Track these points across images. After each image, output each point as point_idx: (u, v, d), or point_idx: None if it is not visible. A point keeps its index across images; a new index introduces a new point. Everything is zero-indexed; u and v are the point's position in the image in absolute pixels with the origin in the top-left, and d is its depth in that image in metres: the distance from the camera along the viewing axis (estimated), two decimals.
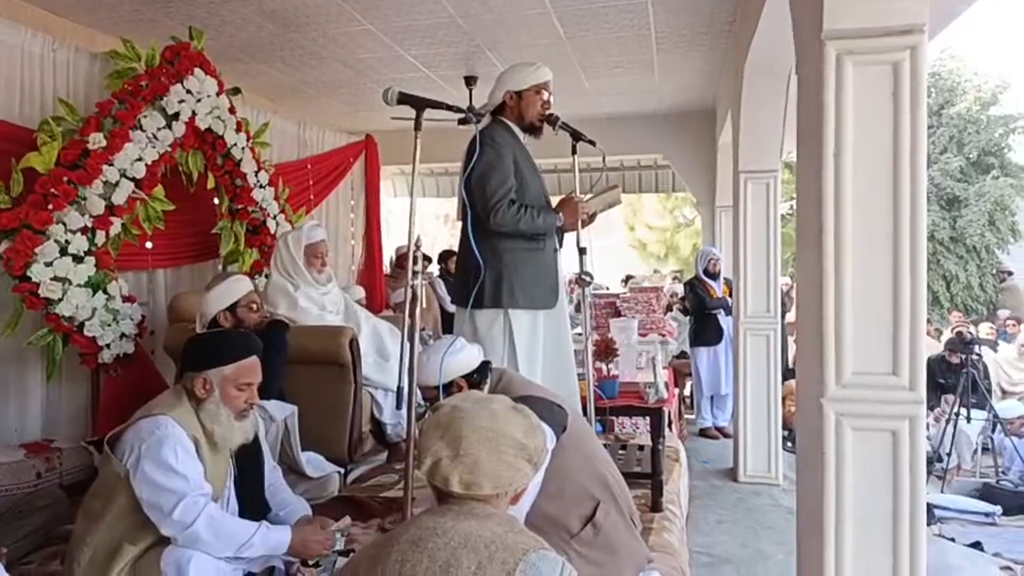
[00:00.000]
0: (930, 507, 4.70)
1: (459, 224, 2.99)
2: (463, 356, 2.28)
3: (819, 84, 2.05)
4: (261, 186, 4.60)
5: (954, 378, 6.13)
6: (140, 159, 3.68)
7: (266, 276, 3.96)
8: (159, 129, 3.78)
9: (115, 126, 3.61)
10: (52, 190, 3.36)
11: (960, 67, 14.29)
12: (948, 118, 13.68)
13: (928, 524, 2.12)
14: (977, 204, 13.37)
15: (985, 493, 5.53)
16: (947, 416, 5.97)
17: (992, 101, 13.91)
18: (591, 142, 3.06)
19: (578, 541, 2.02)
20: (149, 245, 4.15)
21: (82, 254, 3.48)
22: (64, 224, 3.39)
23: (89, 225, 3.50)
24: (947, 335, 7.34)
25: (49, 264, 3.34)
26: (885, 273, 2.02)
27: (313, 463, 3.19)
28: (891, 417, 2.02)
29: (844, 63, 2.02)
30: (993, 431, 6.30)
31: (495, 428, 1.31)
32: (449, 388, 2.25)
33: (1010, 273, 11.24)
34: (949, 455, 5.92)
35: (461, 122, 5.17)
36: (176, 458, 2.01)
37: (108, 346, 3.60)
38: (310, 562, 2.29)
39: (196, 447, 2.10)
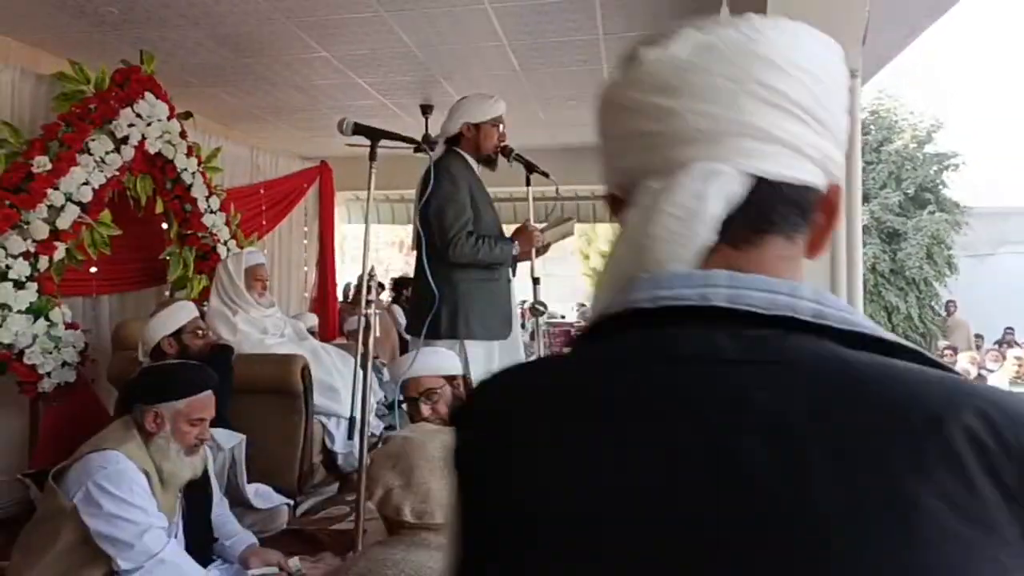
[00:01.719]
0: None
1: (413, 251, 3.00)
2: (457, 359, 2.42)
3: None
4: (212, 211, 4.54)
5: None
6: (87, 183, 3.60)
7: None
8: (107, 153, 3.71)
9: (62, 149, 3.53)
10: None
11: (897, 106, 14.94)
12: (887, 154, 14.24)
13: None
14: (915, 238, 13.90)
15: None
16: None
17: (927, 139, 14.56)
18: (544, 174, 3.12)
19: None
20: (94, 270, 4.05)
21: (23, 280, 3.37)
22: (4, 249, 3.29)
23: (32, 250, 3.40)
24: None
25: None
26: None
27: (262, 495, 3.12)
28: None
29: None
30: None
31: (444, 459, 1.31)
32: (453, 380, 2.32)
33: (955, 308, 11.63)
34: None
35: (416, 150, 5.20)
36: (131, 492, 1.98)
37: (49, 375, 3.48)
38: None
39: (148, 482, 2.05)
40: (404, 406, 2.35)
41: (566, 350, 0.61)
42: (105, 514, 1.96)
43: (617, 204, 0.65)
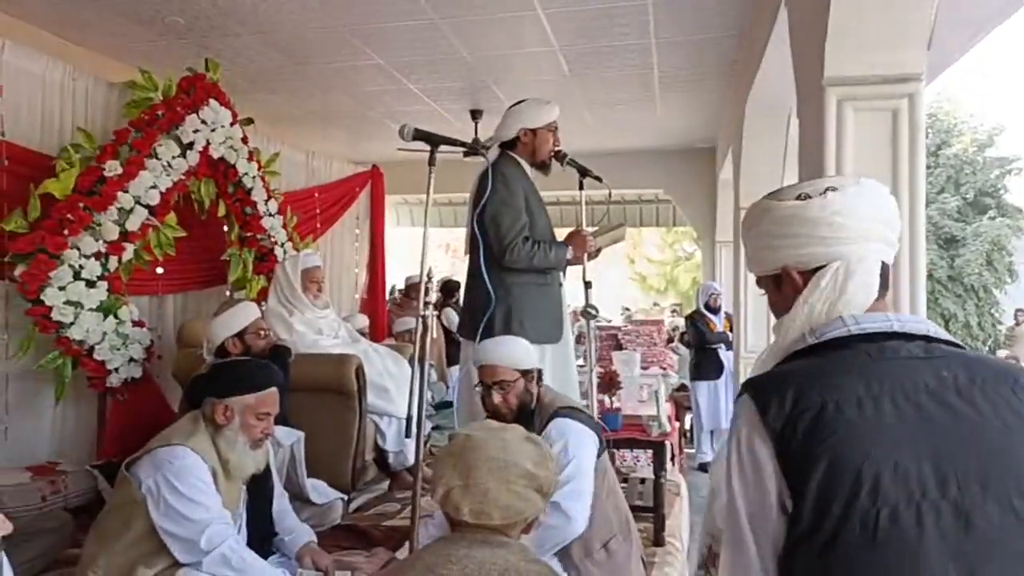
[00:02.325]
0: None
1: (459, 254, 3.04)
2: (535, 353, 2.43)
3: (819, 127, 2.13)
4: (270, 214, 4.67)
5: None
6: (154, 187, 3.75)
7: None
8: (174, 158, 3.86)
9: (131, 154, 3.68)
10: (68, 215, 3.42)
11: (956, 109, 14.52)
12: (945, 159, 13.86)
13: None
14: (974, 244, 13.49)
15: None
16: None
17: (988, 143, 14.12)
18: (598, 178, 3.14)
19: (592, 561, 2.17)
20: (160, 271, 4.21)
21: (95, 279, 3.53)
22: (78, 249, 3.45)
23: (103, 250, 3.55)
24: None
25: (62, 288, 3.39)
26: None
27: (318, 490, 3.20)
28: None
29: (844, 109, 2.10)
30: None
31: (505, 459, 1.33)
32: (528, 374, 2.34)
33: None
34: None
35: (466, 154, 5.28)
36: (196, 489, 2.06)
37: (116, 370, 3.64)
38: None
39: (213, 477, 2.13)
40: (477, 389, 2.38)
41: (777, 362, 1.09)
42: (169, 509, 2.05)
43: (786, 275, 1.10)
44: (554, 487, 1.39)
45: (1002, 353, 11.17)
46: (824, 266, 1.05)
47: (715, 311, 6.18)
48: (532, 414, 2.34)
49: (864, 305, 1.03)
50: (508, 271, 2.86)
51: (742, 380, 1.22)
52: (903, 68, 2.03)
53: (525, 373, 2.35)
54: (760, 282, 1.19)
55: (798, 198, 1.08)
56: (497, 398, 2.29)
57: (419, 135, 2.43)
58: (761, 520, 0.95)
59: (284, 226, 4.85)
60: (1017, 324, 11.10)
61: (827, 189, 1.07)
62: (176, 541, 2.06)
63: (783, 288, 1.11)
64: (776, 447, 0.94)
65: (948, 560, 0.86)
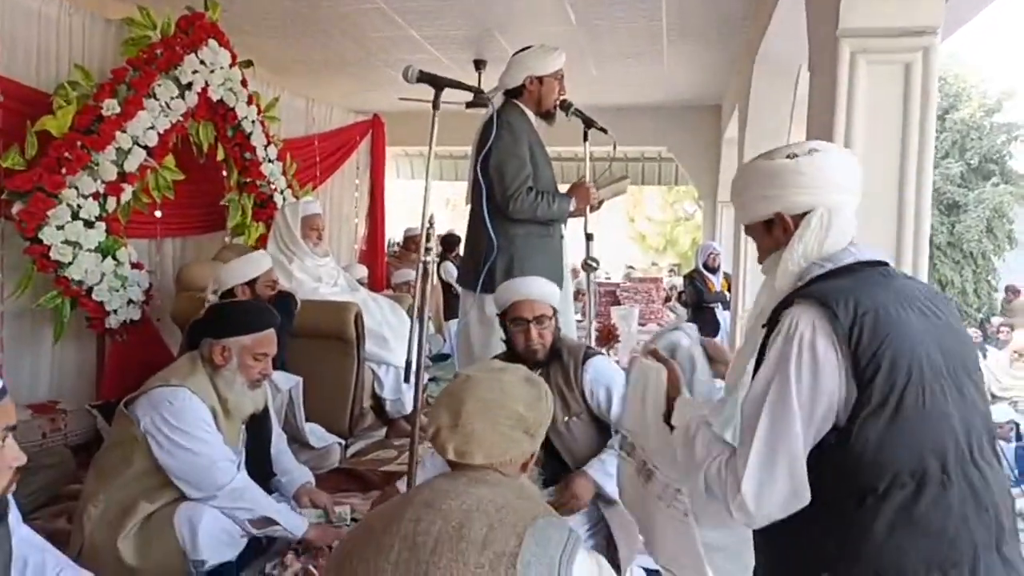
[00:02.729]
0: None
1: (459, 208, 3.02)
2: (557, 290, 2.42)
3: (832, 81, 2.10)
4: (270, 160, 4.62)
5: None
6: (152, 127, 3.70)
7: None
8: (172, 98, 3.80)
9: (129, 93, 3.62)
10: (66, 154, 3.38)
11: (965, 73, 14.31)
12: (951, 123, 13.71)
13: None
14: (976, 210, 13.44)
15: None
16: None
17: (996, 108, 13.96)
18: (603, 129, 3.09)
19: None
20: (158, 214, 4.18)
21: (93, 219, 3.50)
22: (77, 188, 3.41)
23: (101, 191, 3.52)
24: None
25: (61, 228, 3.37)
26: None
27: (316, 433, 3.24)
28: None
29: (857, 61, 2.06)
30: None
31: (496, 399, 1.33)
32: (555, 312, 2.33)
33: (1017, 292, 11.12)
34: None
35: (469, 105, 5.20)
36: (198, 427, 2.08)
37: (115, 311, 3.64)
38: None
39: (213, 416, 2.15)
40: (502, 326, 2.36)
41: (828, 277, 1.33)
42: (173, 447, 2.08)
43: (779, 219, 1.36)
44: (541, 430, 1.38)
45: (996, 320, 11.22)
46: (811, 211, 1.33)
47: (714, 271, 6.19)
48: (558, 351, 2.33)
49: (844, 243, 1.33)
50: (511, 221, 2.84)
51: (739, 341, 1.35)
52: (920, 20, 1.99)
53: (555, 311, 2.35)
54: (749, 229, 1.44)
55: (788, 156, 1.34)
56: (535, 333, 2.26)
57: (424, 77, 2.39)
58: (811, 406, 1.21)
59: (284, 173, 4.81)
60: (1009, 301, 11.04)
61: (811, 150, 1.34)
62: (183, 479, 2.10)
63: (774, 231, 1.37)
64: (843, 346, 1.20)
65: (957, 419, 1.21)
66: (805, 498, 1.22)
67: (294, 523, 2.25)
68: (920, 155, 2.05)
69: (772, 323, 1.29)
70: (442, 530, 1.17)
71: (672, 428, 1.46)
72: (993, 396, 7.37)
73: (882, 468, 1.19)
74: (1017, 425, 6.28)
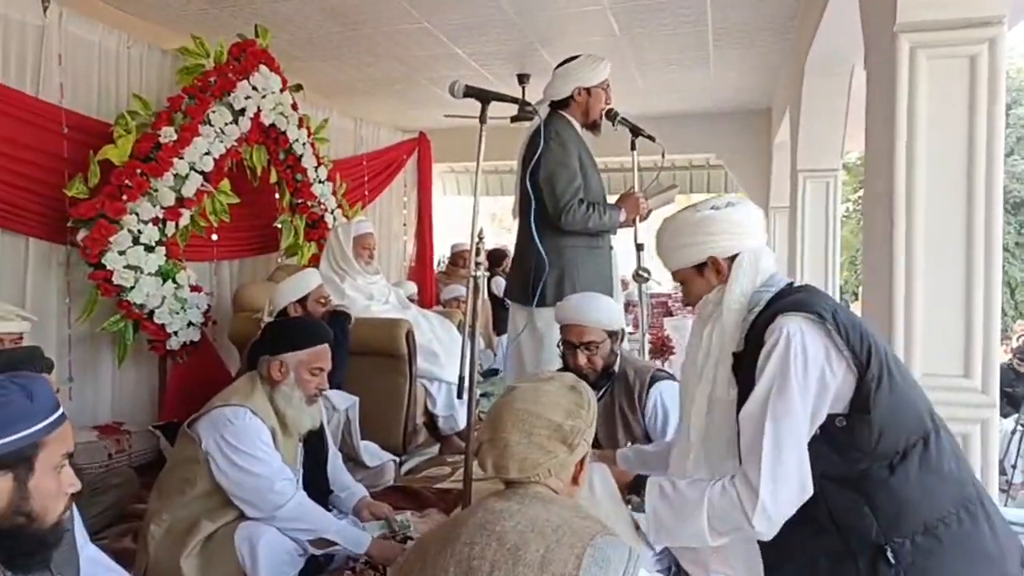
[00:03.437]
0: None
1: (505, 222, 3.01)
2: (622, 309, 2.45)
3: (890, 79, 2.02)
4: (320, 181, 4.70)
5: (1022, 388, 5.91)
6: (208, 153, 3.80)
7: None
8: (226, 124, 3.90)
9: (185, 121, 3.73)
10: (126, 181, 3.49)
11: None
12: (1015, 119, 13.18)
13: None
14: None
15: None
16: (1013, 427, 5.76)
17: None
18: (651, 137, 3.05)
19: None
20: (215, 237, 4.29)
21: (153, 244, 3.61)
22: (137, 214, 3.52)
23: (160, 216, 3.63)
24: (1013, 344, 7.07)
25: (122, 253, 3.48)
26: (957, 273, 1.97)
27: (370, 451, 3.26)
28: (962, 420, 1.97)
29: (918, 57, 1.98)
30: None
31: (532, 409, 1.29)
32: (614, 334, 2.31)
33: None
34: (1014, 467, 5.71)
35: (514, 119, 5.21)
36: (257, 447, 2.11)
37: (176, 333, 3.73)
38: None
39: (272, 436, 2.18)
40: (558, 348, 2.35)
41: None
42: (231, 468, 2.11)
43: (712, 263, 1.57)
44: (579, 438, 1.32)
45: None
46: (739, 254, 1.55)
47: None
48: (613, 375, 2.30)
49: (771, 273, 1.56)
50: (561, 233, 2.82)
51: None
52: (983, 9, 1.90)
53: (612, 334, 2.31)
54: (678, 275, 1.64)
55: (712, 208, 1.58)
56: (582, 359, 2.25)
57: (470, 92, 2.40)
58: (815, 402, 1.40)
59: (334, 193, 4.88)
60: None
61: (728, 203, 1.59)
62: (243, 499, 2.12)
63: (706, 274, 1.59)
64: (837, 341, 1.40)
65: (916, 384, 1.50)
66: (810, 490, 1.39)
67: (355, 540, 2.24)
68: (989, 153, 1.95)
69: (753, 344, 1.47)
70: (497, 553, 1.14)
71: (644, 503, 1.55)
72: None
73: (898, 432, 1.39)
74: None
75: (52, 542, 1.27)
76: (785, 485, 1.37)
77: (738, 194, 11.74)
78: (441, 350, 3.99)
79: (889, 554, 1.35)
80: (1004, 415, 6.20)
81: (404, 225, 7.10)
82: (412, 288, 5.74)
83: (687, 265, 1.60)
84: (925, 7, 1.95)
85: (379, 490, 3.17)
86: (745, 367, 1.48)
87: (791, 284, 1.56)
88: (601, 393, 2.32)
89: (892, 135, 2.00)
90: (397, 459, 3.46)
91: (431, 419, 3.99)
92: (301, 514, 2.15)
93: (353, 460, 3.17)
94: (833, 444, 1.40)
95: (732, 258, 1.55)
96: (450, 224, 9.81)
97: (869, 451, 1.38)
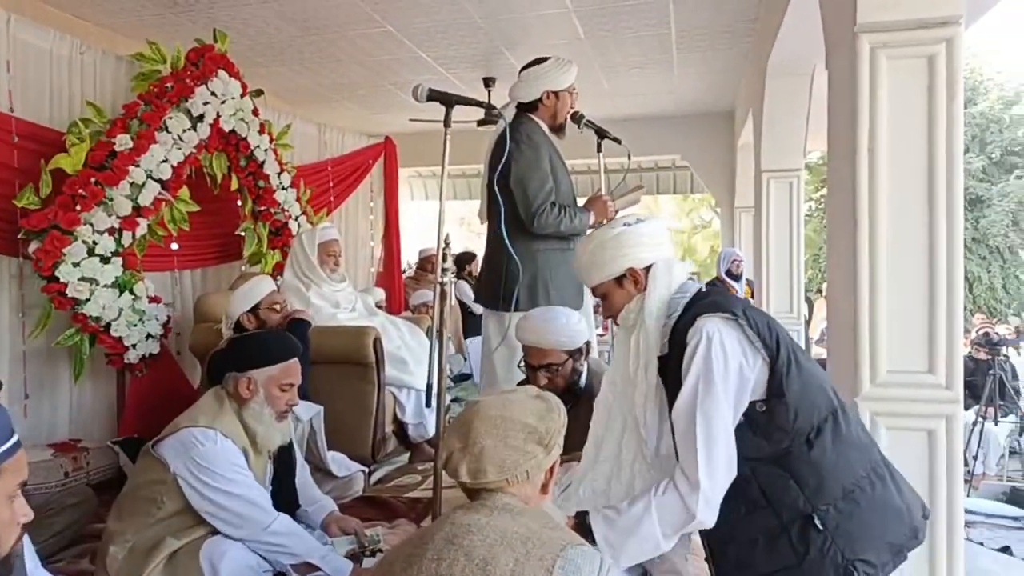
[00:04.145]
0: None
1: (473, 226, 2.97)
2: (584, 325, 2.35)
3: (852, 79, 2.03)
4: (283, 188, 4.62)
5: (981, 378, 6.04)
6: (166, 160, 3.70)
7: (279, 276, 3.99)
8: (184, 131, 3.81)
9: (141, 128, 3.63)
10: (80, 191, 3.39)
11: (982, 65, 14.12)
12: (970, 117, 13.51)
13: None
14: (1000, 204, 13.20)
15: (1013, 497, 5.43)
16: (975, 418, 5.88)
17: (1015, 100, 13.75)
18: (616, 139, 3.05)
19: None
20: (175, 246, 4.18)
21: (109, 255, 3.50)
22: (91, 225, 3.42)
23: (116, 226, 3.52)
24: (972, 336, 7.23)
25: (77, 264, 3.37)
26: (920, 269, 1.99)
27: (338, 462, 3.19)
28: (927, 416, 1.99)
29: (878, 57, 1.99)
30: (1021, 435, 6.20)
31: (504, 415, 1.29)
32: (577, 353, 2.28)
33: None
34: (976, 458, 5.83)
35: (480, 123, 5.18)
36: (231, 470, 2.05)
37: (134, 346, 3.63)
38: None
39: (245, 457, 2.12)
40: (521, 366, 2.32)
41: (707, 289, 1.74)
42: (207, 491, 2.05)
43: (631, 274, 1.70)
44: (556, 439, 1.33)
45: None
46: (653, 264, 1.69)
47: (737, 278, 6.09)
48: (579, 392, 2.26)
49: (683, 281, 1.70)
50: (532, 237, 2.79)
51: None
52: (941, 10, 1.92)
53: (573, 353, 2.27)
54: (599, 289, 1.75)
55: (625, 225, 1.72)
56: (543, 380, 2.22)
57: (434, 96, 2.36)
58: (736, 393, 1.54)
59: (298, 199, 4.80)
60: None
61: (637, 220, 1.74)
62: (227, 522, 2.07)
63: (625, 285, 1.71)
64: (751, 335, 1.54)
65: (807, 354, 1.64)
66: (735, 470, 1.53)
67: (337, 567, 2.19)
68: (949, 151, 1.97)
69: (676, 347, 1.60)
70: (466, 568, 1.11)
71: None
72: None
73: (811, 409, 1.54)
74: None
75: (2, 574, 1.20)
76: (719, 472, 1.50)
77: (705, 195, 11.81)
78: (410, 357, 3.93)
79: (817, 521, 1.50)
80: (966, 407, 6.33)
81: (371, 231, 7.02)
82: (380, 294, 5.67)
83: (607, 279, 1.72)
84: (884, 8, 1.97)
85: (348, 501, 3.11)
86: (671, 368, 1.60)
87: (702, 289, 1.70)
88: (569, 408, 2.28)
89: (854, 134, 2.01)
90: (366, 469, 3.40)
91: (401, 427, 3.93)
92: (286, 538, 2.09)
93: (321, 470, 3.10)
94: (757, 428, 1.55)
95: (647, 269, 1.69)
96: (419, 229, 9.75)
97: (789, 430, 1.53)
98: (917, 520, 1.58)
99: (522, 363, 2.33)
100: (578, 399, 2.25)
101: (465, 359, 6.12)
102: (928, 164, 1.98)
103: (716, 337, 1.53)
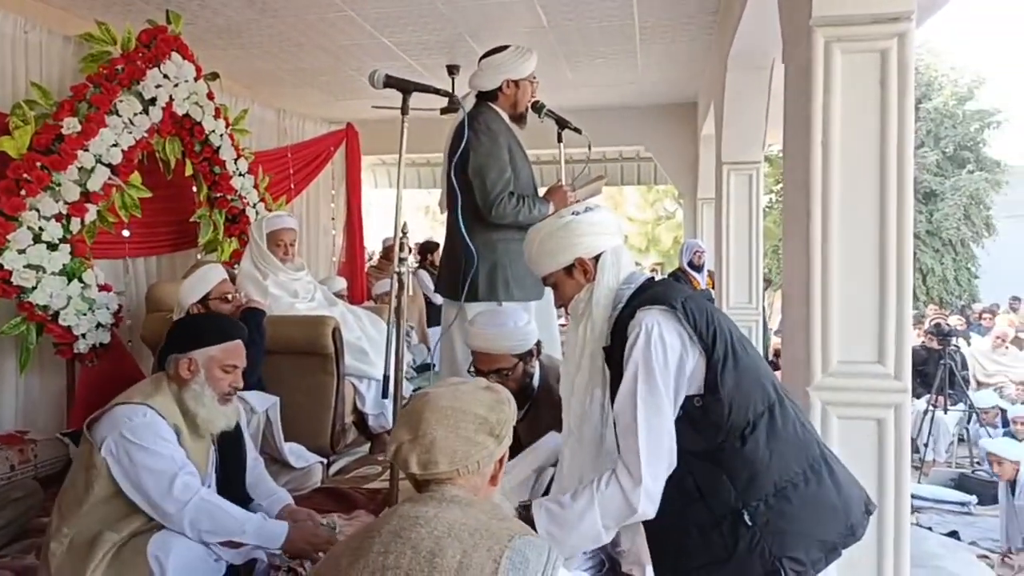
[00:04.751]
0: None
1: (439, 215, 2.94)
2: (533, 325, 2.31)
3: (807, 71, 2.04)
4: (240, 174, 4.53)
5: (933, 367, 6.21)
6: (116, 145, 3.60)
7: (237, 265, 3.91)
8: (135, 114, 3.70)
9: (90, 111, 3.52)
10: (25, 175, 3.27)
11: (937, 62, 14.44)
12: (925, 112, 13.81)
13: None
14: (953, 198, 13.53)
15: (961, 483, 5.61)
16: (926, 407, 6.05)
17: (968, 96, 14.08)
18: (577, 129, 3.04)
19: None
20: (126, 233, 4.07)
21: (56, 241, 3.40)
22: (37, 211, 3.31)
23: (64, 212, 3.42)
24: (926, 327, 7.43)
25: (22, 251, 3.26)
26: (871, 261, 2.02)
27: (296, 453, 3.14)
28: (876, 406, 2.02)
29: (832, 50, 2.01)
30: (969, 422, 6.40)
31: (455, 406, 1.28)
32: (527, 355, 2.24)
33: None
34: (926, 445, 6.00)
35: (444, 111, 5.14)
36: (157, 443, 1.99)
37: (84, 336, 3.53)
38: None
39: (177, 435, 2.06)
40: (471, 372, 2.29)
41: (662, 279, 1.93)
42: (130, 465, 1.97)
43: (579, 263, 1.71)
44: (506, 429, 1.32)
45: (978, 306, 11.27)
46: (602, 253, 1.70)
47: (699, 268, 6.15)
48: (532, 393, 2.23)
49: (629, 271, 1.71)
50: (492, 227, 2.77)
51: None
52: (893, 6, 1.94)
53: (523, 355, 2.24)
54: (549, 279, 1.77)
55: (573, 214, 1.73)
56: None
57: (391, 82, 2.32)
58: (675, 384, 1.55)
59: (255, 186, 4.71)
60: (1014, 311, 10.67)
61: (586, 208, 1.75)
62: (143, 498, 1.98)
63: (574, 275, 1.72)
64: (688, 327, 1.55)
65: (760, 361, 1.64)
66: (674, 462, 1.55)
67: (270, 535, 2.10)
68: (900, 143, 1.99)
69: (618, 339, 1.60)
70: (412, 561, 1.10)
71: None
72: (978, 383, 7.38)
73: (746, 405, 1.54)
74: (1003, 411, 6.29)
75: None
76: (660, 466, 1.53)
77: (669, 186, 11.90)
78: (370, 347, 3.89)
79: (746, 517, 1.51)
80: (917, 395, 6.51)
81: (333, 219, 6.93)
82: (341, 284, 5.60)
83: (557, 268, 1.73)
84: (839, 3, 1.98)
85: (306, 493, 3.08)
86: (614, 360, 1.62)
87: (651, 280, 1.72)
88: (523, 414, 2.25)
89: (809, 126, 2.03)
90: (324, 460, 3.36)
91: (361, 417, 3.90)
92: (208, 512, 2.00)
93: (278, 462, 3.06)
94: (692, 423, 1.55)
95: (596, 258, 1.70)
96: (383, 217, 9.66)
97: (723, 425, 1.53)
98: (856, 517, 1.58)
99: (471, 368, 2.29)
100: (534, 399, 2.22)
101: (428, 349, 6.09)
102: (880, 157, 2.00)
103: (656, 330, 1.54)
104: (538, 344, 2.33)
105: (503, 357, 2.23)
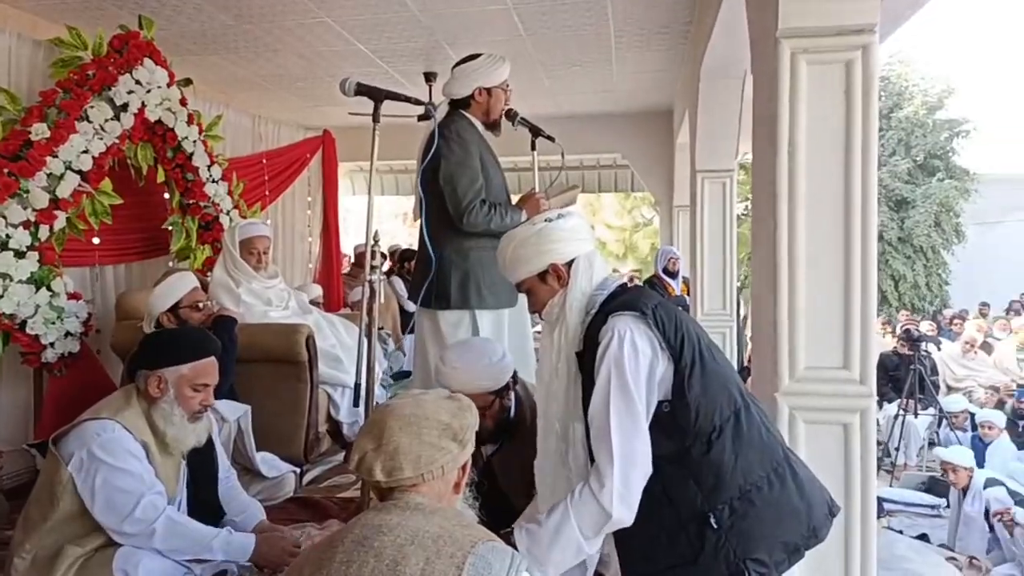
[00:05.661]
0: (879, 500, 4.82)
1: (417, 221, 2.94)
2: (508, 359, 2.17)
3: (773, 82, 2.08)
4: (214, 180, 4.49)
5: (905, 372, 6.30)
6: (86, 151, 3.55)
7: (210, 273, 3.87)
8: (107, 120, 3.66)
9: (60, 116, 3.47)
10: None
11: (908, 72, 14.69)
12: (896, 121, 14.04)
13: (877, 517, 2.20)
14: (924, 205, 13.76)
15: (931, 487, 5.70)
16: (896, 411, 6.14)
17: (938, 105, 14.34)
18: (550, 137, 3.06)
19: None
20: (96, 240, 4.02)
21: (24, 249, 3.34)
22: (4, 217, 3.26)
23: (32, 219, 3.36)
24: (898, 332, 7.54)
25: None
26: (837, 269, 2.06)
27: (268, 463, 3.12)
28: (842, 411, 2.06)
29: (798, 61, 2.05)
30: (939, 426, 6.50)
31: (418, 413, 1.29)
32: (503, 390, 2.11)
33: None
34: (897, 449, 6.08)
35: (421, 118, 5.13)
36: (124, 460, 1.96)
37: (52, 345, 3.47)
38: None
39: (145, 452, 2.04)
40: None
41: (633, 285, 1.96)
42: (104, 483, 1.95)
43: (553, 269, 1.72)
44: (469, 434, 1.32)
45: (949, 312, 11.45)
46: (575, 259, 1.71)
47: (673, 275, 6.20)
48: (511, 425, 2.14)
49: (602, 277, 1.73)
50: (464, 235, 2.77)
51: None
52: (857, 18, 1.98)
53: (500, 391, 2.11)
54: (523, 285, 1.78)
55: (547, 221, 1.74)
56: None
57: (362, 90, 2.33)
58: (647, 389, 1.56)
59: (229, 193, 4.67)
60: (984, 316, 10.79)
61: (559, 215, 1.76)
62: (108, 516, 1.96)
63: (548, 281, 1.73)
64: (657, 333, 1.58)
65: (727, 367, 1.68)
66: (650, 468, 1.56)
67: (238, 549, 2.09)
68: (864, 153, 2.03)
69: (590, 343, 1.62)
70: (376, 570, 1.10)
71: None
72: (948, 387, 7.51)
73: (712, 410, 1.57)
74: (972, 415, 6.40)
75: None
76: (634, 471, 1.53)
77: (645, 193, 12.00)
78: (344, 355, 3.87)
79: (712, 520, 1.54)
80: (889, 400, 6.60)
81: (309, 226, 6.89)
82: (317, 291, 5.56)
83: (531, 274, 1.74)
84: (804, 15, 2.02)
85: (278, 502, 3.06)
86: (587, 365, 1.63)
87: (623, 286, 1.74)
88: (497, 448, 2.19)
89: (775, 136, 2.06)
90: (297, 470, 3.33)
91: (335, 426, 3.88)
92: (173, 531, 1.98)
93: (250, 472, 3.03)
94: (661, 428, 1.57)
95: (569, 264, 1.71)
96: (360, 225, 9.61)
97: (690, 430, 1.56)
98: (818, 519, 1.61)
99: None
100: (512, 432, 2.13)
101: (405, 356, 6.06)
102: (845, 165, 2.04)
103: (628, 336, 1.56)
104: (514, 375, 2.19)
105: (478, 396, 2.00)
